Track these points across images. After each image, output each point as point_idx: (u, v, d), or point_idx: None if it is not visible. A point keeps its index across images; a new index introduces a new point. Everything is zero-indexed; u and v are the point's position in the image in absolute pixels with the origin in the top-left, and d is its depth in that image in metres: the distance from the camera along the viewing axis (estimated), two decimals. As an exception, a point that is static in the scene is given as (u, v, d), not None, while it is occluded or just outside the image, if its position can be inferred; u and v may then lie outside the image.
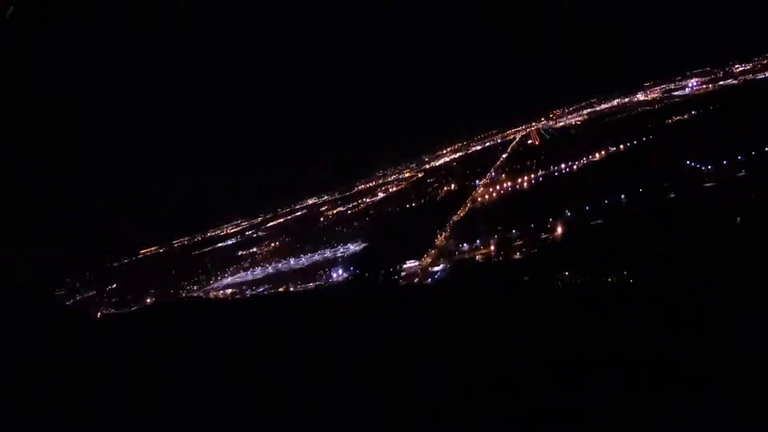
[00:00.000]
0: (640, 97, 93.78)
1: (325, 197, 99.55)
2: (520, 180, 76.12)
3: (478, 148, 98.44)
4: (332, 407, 7.23)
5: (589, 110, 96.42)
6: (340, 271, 64.11)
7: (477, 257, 55.07)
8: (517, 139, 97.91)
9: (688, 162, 52.94)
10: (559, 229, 50.38)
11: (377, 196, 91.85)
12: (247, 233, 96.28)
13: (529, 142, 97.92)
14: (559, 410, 6.76)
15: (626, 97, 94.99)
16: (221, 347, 10.47)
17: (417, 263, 57.89)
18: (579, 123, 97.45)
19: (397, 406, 7.10)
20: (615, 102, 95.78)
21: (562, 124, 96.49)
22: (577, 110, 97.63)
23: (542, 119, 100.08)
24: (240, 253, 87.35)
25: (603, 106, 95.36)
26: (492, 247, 53.92)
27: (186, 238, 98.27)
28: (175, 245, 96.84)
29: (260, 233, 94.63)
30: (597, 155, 74.04)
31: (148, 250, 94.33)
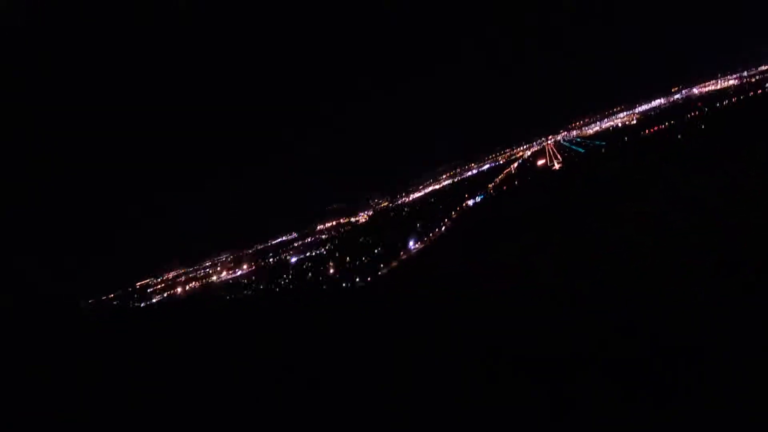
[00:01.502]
0: (697, 91, 76.36)
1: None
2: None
3: (474, 172, 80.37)
4: (329, 405, 8.04)
5: (627, 113, 77.48)
6: None
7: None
8: (517, 164, 75.86)
9: None
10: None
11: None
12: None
13: (542, 163, 76.54)
14: (557, 411, 7.32)
15: (673, 95, 77.25)
16: (219, 347, 12.04)
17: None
18: (635, 122, 74.94)
19: (392, 406, 7.90)
20: (660, 101, 78.05)
21: (596, 129, 76.35)
22: (610, 115, 79.24)
23: (561, 131, 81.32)
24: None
25: (653, 104, 76.83)
26: None
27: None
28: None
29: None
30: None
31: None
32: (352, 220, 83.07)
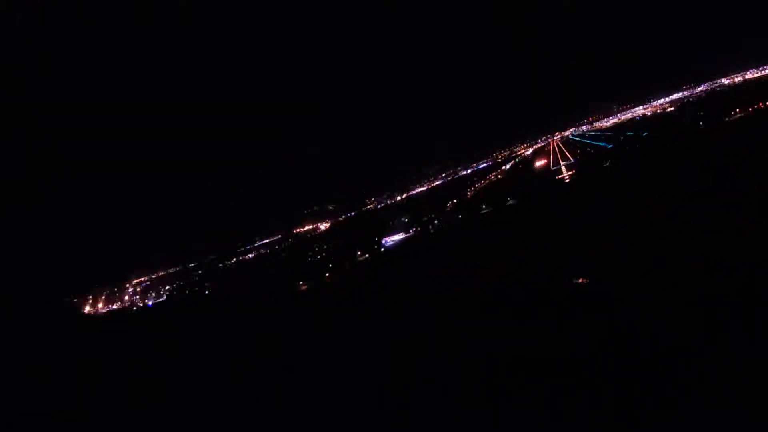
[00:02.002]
0: (727, 82, 68.28)
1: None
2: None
3: (468, 171, 72.95)
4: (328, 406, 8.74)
5: (655, 102, 69.04)
6: None
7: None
8: (510, 166, 67.56)
9: None
10: None
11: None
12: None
13: (541, 164, 65.18)
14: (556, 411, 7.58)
15: (695, 88, 69.33)
16: (217, 347, 12.81)
17: None
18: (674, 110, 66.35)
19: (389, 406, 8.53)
20: (682, 93, 69.89)
21: (613, 122, 67.83)
22: (626, 109, 70.83)
23: (569, 128, 72.79)
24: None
25: (674, 96, 68.55)
26: None
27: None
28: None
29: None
30: None
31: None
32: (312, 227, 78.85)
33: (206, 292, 70.26)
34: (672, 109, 66.39)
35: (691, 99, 68.04)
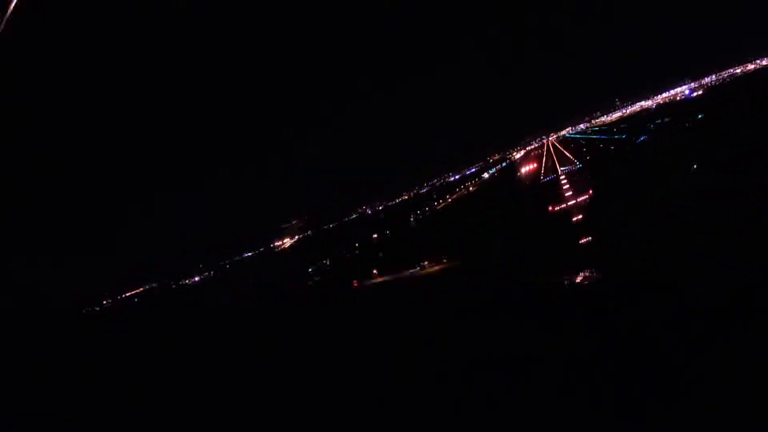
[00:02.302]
0: (740, 71, 68.11)
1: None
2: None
3: (451, 179, 71.80)
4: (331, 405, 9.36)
5: (668, 92, 68.84)
6: None
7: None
8: (488, 175, 62.75)
9: None
10: None
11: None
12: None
13: (529, 170, 58.15)
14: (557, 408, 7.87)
15: (701, 79, 69.09)
16: (215, 345, 14.69)
17: None
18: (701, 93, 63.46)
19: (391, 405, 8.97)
20: (691, 84, 69.79)
21: (617, 116, 66.61)
22: (630, 102, 70.43)
23: (566, 128, 71.78)
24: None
25: (681, 88, 68.22)
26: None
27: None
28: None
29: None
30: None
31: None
32: (282, 242, 79.21)
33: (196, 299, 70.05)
34: (699, 93, 64.50)
35: (716, 83, 66.82)
